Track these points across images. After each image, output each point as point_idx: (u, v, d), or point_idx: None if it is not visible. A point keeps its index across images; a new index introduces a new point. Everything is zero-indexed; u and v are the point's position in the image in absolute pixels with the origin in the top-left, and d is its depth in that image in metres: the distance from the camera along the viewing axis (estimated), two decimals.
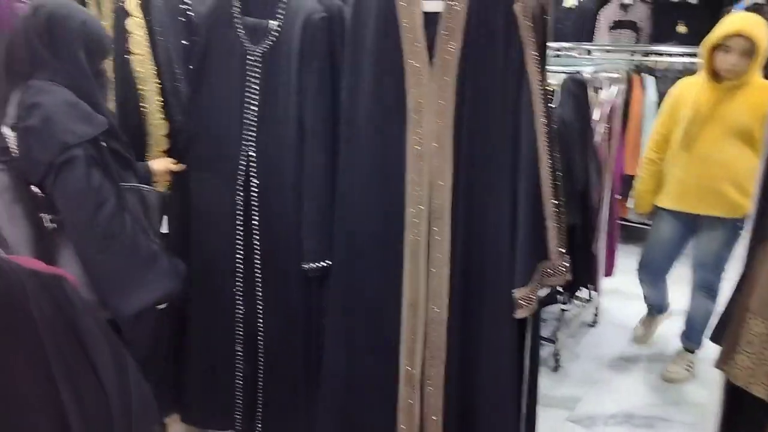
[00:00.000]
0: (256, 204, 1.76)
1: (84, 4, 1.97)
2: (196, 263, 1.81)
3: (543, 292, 1.53)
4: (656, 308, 2.85)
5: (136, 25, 1.85)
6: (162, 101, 1.90)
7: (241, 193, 1.76)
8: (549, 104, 1.45)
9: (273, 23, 1.67)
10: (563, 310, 2.71)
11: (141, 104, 1.88)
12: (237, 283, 1.83)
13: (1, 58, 1.42)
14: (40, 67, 1.38)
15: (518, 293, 1.47)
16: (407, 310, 1.60)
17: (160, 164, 1.78)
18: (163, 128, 1.91)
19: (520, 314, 1.49)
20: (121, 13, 1.86)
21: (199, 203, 1.83)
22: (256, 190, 1.75)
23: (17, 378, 0.88)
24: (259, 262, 1.79)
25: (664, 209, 2.53)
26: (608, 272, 2.94)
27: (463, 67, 1.47)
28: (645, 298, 2.82)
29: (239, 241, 1.80)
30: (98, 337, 1.01)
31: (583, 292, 2.96)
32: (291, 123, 1.67)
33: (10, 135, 1.36)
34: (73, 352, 0.97)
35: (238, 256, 1.81)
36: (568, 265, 1.51)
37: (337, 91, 1.63)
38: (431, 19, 1.47)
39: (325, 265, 1.71)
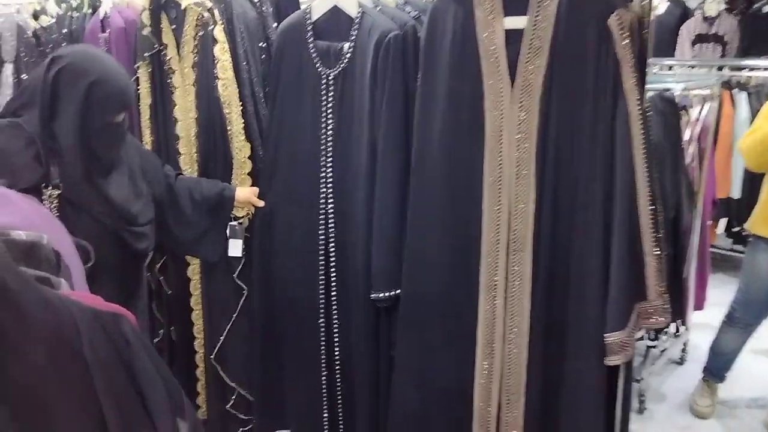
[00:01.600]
0: (332, 232, 1.70)
1: (160, 37, 1.99)
2: (281, 292, 1.76)
3: (639, 335, 1.36)
4: (721, 372, 2.42)
5: (222, 50, 1.83)
6: (245, 123, 1.88)
7: (322, 221, 1.71)
8: (648, 127, 1.30)
9: (346, 45, 1.61)
10: (649, 346, 2.49)
11: (227, 127, 1.86)
12: (320, 312, 1.77)
13: None
14: (26, 108, 1.38)
15: (612, 338, 1.31)
16: (482, 349, 1.47)
17: (245, 193, 1.82)
18: (246, 150, 1.88)
19: (613, 361, 1.33)
20: (208, 40, 1.85)
21: (282, 231, 1.78)
22: (333, 217, 1.69)
23: (65, 424, 0.80)
24: (334, 290, 1.72)
25: (761, 238, 2.24)
26: (698, 305, 2.68)
27: (549, 87, 1.34)
28: (722, 355, 2.39)
29: (321, 269, 1.74)
30: (155, 379, 0.93)
31: (670, 327, 2.72)
32: (364, 147, 1.59)
33: None
34: (127, 397, 0.89)
35: (320, 284, 1.75)
36: (668, 306, 1.34)
37: (410, 114, 1.54)
38: (514, 37, 1.35)
39: (394, 294, 1.61)
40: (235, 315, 1.96)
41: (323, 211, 1.70)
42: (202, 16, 1.86)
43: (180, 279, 2.10)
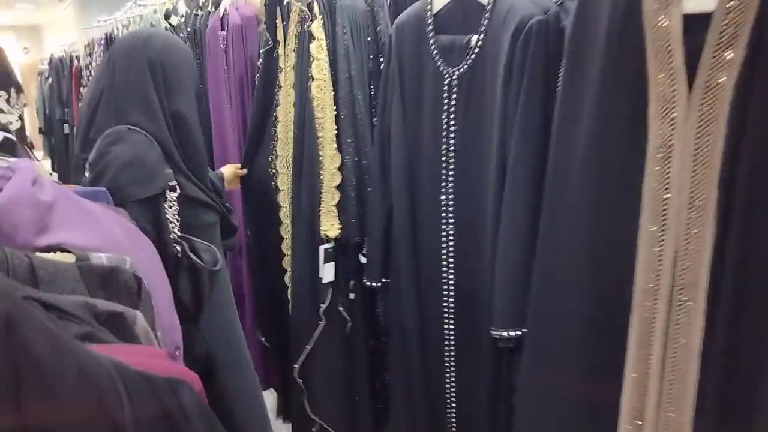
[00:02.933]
0: (452, 257, 1.47)
1: (274, 33, 1.85)
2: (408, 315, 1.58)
3: None
4: None
5: (319, 48, 1.66)
6: (338, 130, 1.70)
7: (444, 247, 1.48)
8: None
9: (474, 38, 1.35)
10: None
11: (317, 134, 1.69)
12: (445, 352, 1.56)
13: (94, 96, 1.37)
14: (130, 108, 1.33)
15: None
16: (626, 417, 1.16)
17: (230, 171, 1.89)
18: (336, 160, 1.70)
19: None
20: (306, 37, 1.69)
21: (399, 259, 1.58)
22: (453, 239, 1.45)
23: None
24: (453, 323, 1.50)
25: None
26: None
27: (744, 91, 0.99)
28: None
29: (444, 300, 1.52)
30: None
31: None
32: (493, 159, 1.33)
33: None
34: None
35: (445, 316, 1.53)
36: None
37: (549, 120, 1.25)
38: (695, 24, 1.02)
39: (519, 334, 1.34)
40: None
41: (444, 235, 1.47)
42: (302, 11, 1.69)
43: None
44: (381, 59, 1.78)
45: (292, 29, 1.75)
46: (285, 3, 1.77)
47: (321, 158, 1.69)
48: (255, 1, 2.19)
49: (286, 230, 1.88)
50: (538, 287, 1.26)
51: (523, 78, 1.25)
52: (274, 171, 1.88)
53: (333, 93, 1.68)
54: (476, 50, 1.35)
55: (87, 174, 1.30)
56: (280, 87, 1.83)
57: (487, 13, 1.33)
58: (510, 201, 1.29)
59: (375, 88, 1.78)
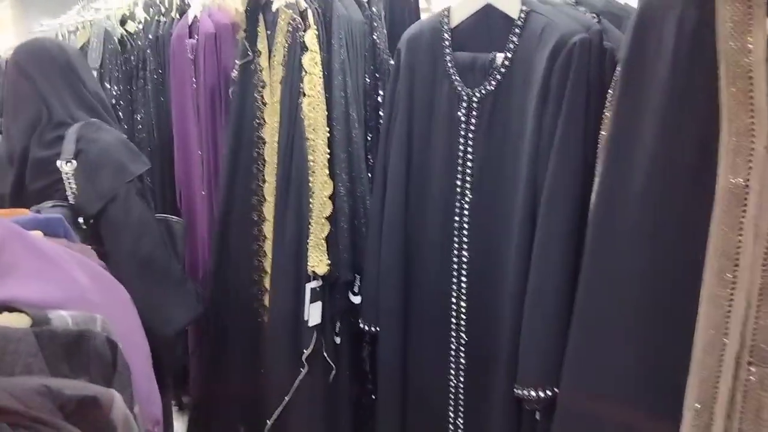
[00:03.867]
0: (463, 302, 1.28)
1: (254, 43, 1.65)
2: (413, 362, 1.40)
3: None
4: None
5: (312, 61, 1.47)
6: (330, 155, 1.50)
7: (454, 284, 1.30)
8: None
9: (500, 56, 1.19)
10: None
11: (308, 157, 1.49)
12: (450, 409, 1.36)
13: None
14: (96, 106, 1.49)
15: None
16: None
17: None
18: (328, 188, 1.49)
19: None
20: (298, 48, 1.49)
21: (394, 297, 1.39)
22: (465, 281, 1.27)
23: None
24: (462, 376, 1.31)
25: None
26: None
27: None
28: None
29: (452, 351, 1.33)
30: None
31: None
32: (520, 193, 1.16)
33: (66, 169, 1.35)
34: None
35: (451, 371, 1.34)
36: None
37: (590, 151, 1.11)
38: None
39: (550, 395, 1.17)
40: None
41: (455, 275, 1.28)
42: (294, 20, 1.50)
43: None
44: (377, 76, 1.61)
45: (280, 39, 1.55)
46: (272, 10, 1.57)
47: (311, 185, 1.48)
48: (230, 8, 1.98)
49: (269, 264, 1.65)
50: (578, 341, 1.09)
51: (562, 103, 1.10)
52: (258, 198, 1.65)
53: (326, 112, 1.49)
54: (502, 70, 1.19)
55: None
56: (265, 104, 1.62)
57: (517, 29, 1.17)
58: (545, 240, 1.13)
59: (370, 108, 1.61)
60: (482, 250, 1.26)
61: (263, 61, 1.63)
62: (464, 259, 1.28)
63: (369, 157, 1.59)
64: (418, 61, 1.30)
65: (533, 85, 1.13)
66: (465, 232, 1.27)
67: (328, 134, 1.50)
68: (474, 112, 1.23)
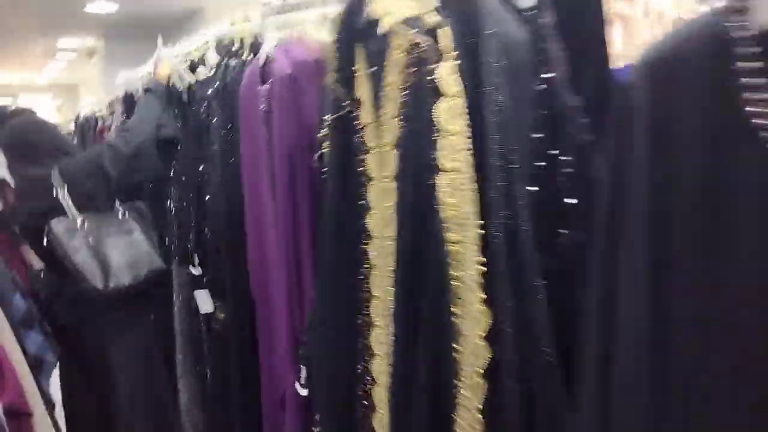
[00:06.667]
0: None
1: (350, 88, 1.06)
2: None
3: None
4: None
5: (452, 113, 0.85)
6: (485, 245, 0.86)
7: None
8: None
9: None
10: None
11: (448, 272, 0.86)
12: None
13: None
14: None
15: None
16: None
17: None
18: (481, 324, 0.86)
19: None
20: (424, 92, 0.89)
21: None
22: None
23: None
24: None
25: None
26: None
27: None
28: None
29: None
30: None
31: None
32: None
33: None
34: None
35: None
36: None
37: None
38: None
39: None
40: None
41: None
42: (416, 45, 0.89)
43: None
44: (553, 132, 0.96)
45: (394, 79, 0.95)
46: (377, 34, 0.97)
47: (456, 321, 0.85)
48: (313, 40, 1.42)
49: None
50: None
51: None
52: (365, 341, 1.05)
53: (477, 182, 0.86)
54: None
55: None
56: (370, 180, 1.02)
57: None
58: None
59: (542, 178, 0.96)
60: None
61: (365, 114, 1.04)
62: None
63: None
64: (682, 105, 0.64)
65: None
66: None
67: (481, 211, 0.87)
68: None
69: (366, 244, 1.06)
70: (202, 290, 1.82)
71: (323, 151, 1.18)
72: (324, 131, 1.16)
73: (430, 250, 0.87)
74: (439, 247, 0.86)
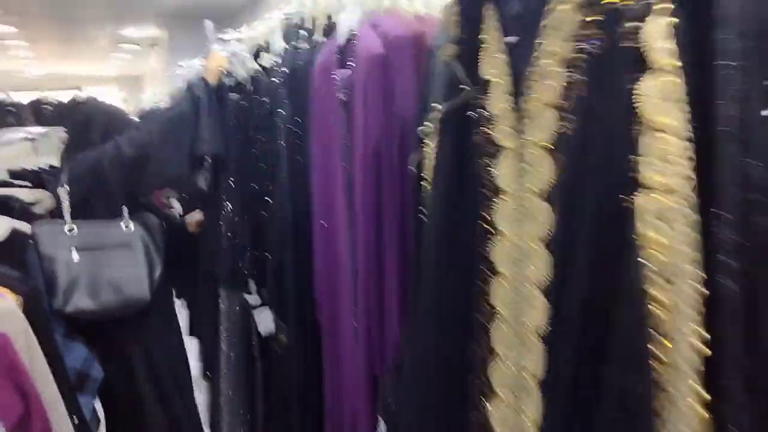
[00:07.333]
0: None
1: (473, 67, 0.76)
2: None
3: None
4: None
5: (665, 98, 0.55)
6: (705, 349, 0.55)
7: None
8: None
9: None
10: None
11: (642, 335, 0.55)
12: None
13: None
14: None
15: None
16: None
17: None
18: (700, 418, 0.54)
19: None
20: (614, 65, 0.58)
21: None
22: None
23: None
24: None
25: None
26: None
27: None
28: None
29: None
30: None
31: None
32: None
33: None
34: None
35: None
36: None
37: None
38: None
39: None
40: None
41: None
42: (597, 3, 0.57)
43: None
44: None
45: (555, 48, 0.64)
46: None
47: (663, 358, 0.54)
48: (408, 12, 1.13)
49: None
50: None
51: None
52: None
53: (701, 227, 0.54)
54: None
55: None
56: (499, 193, 0.72)
57: None
58: None
59: None
60: None
61: (497, 101, 0.73)
62: None
63: None
64: None
65: None
66: None
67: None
68: None
69: (486, 283, 0.75)
70: (264, 307, 1.55)
71: (424, 150, 0.89)
72: (428, 125, 0.86)
73: (616, 312, 0.56)
74: (634, 308, 0.55)
